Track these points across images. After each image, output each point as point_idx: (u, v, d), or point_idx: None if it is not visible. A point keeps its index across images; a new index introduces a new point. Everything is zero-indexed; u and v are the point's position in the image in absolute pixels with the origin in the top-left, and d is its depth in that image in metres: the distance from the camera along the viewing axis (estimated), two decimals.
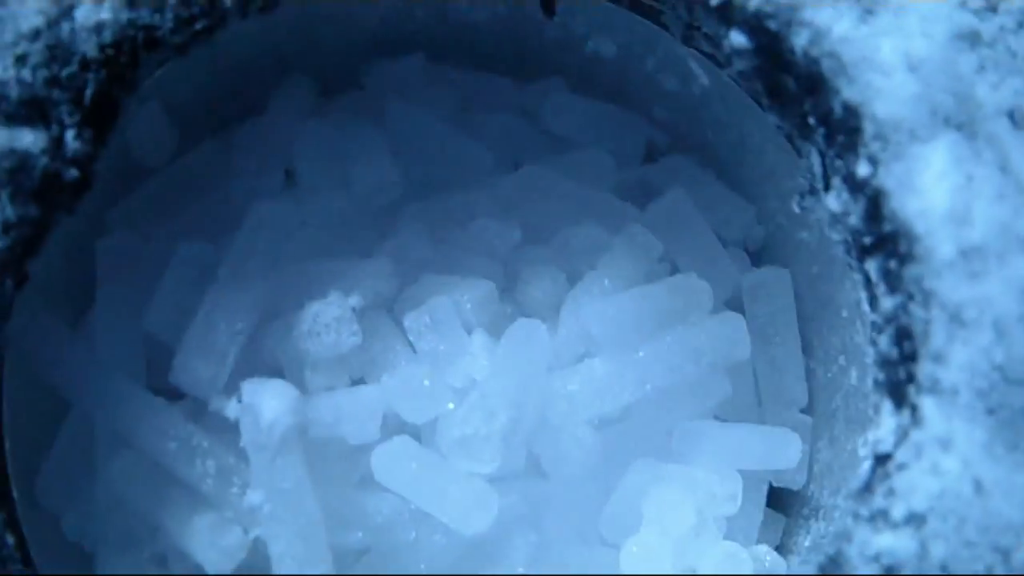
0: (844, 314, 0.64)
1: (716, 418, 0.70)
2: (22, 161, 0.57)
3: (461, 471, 0.62)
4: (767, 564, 0.70)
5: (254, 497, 0.61)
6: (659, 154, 0.73)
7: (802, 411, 0.71)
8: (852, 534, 0.53)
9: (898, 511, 0.53)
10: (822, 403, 0.71)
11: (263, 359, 0.65)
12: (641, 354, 0.65)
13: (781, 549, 0.71)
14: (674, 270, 0.70)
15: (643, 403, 0.67)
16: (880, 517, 0.53)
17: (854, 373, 0.64)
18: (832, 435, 0.69)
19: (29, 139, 0.57)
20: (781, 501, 0.73)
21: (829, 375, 0.69)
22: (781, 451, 0.70)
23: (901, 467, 0.53)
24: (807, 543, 0.69)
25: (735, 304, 0.71)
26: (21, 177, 0.57)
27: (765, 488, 0.71)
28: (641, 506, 0.67)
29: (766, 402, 0.72)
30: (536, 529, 0.64)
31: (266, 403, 0.61)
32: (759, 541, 0.71)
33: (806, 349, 0.71)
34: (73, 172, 0.58)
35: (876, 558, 0.52)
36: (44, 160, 0.57)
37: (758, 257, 0.73)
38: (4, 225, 0.56)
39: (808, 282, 0.70)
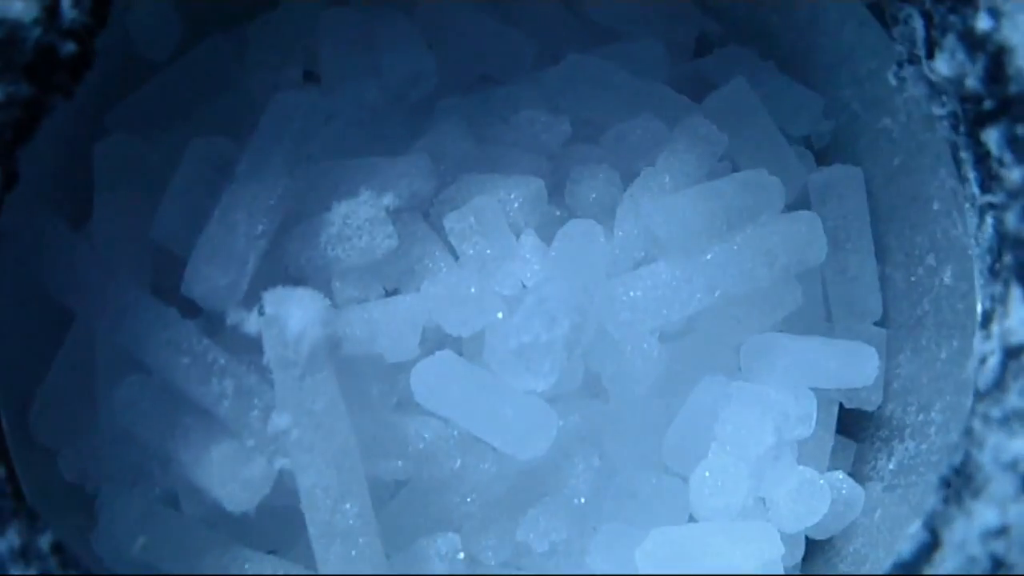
0: (936, 207, 0.54)
1: (784, 331, 0.61)
2: (11, 32, 0.46)
3: (514, 388, 0.52)
4: (844, 492, 0.61)
5: (279, 421, 0.51)
6: (714, 46, 0.63)
7: (876, 324, 0.63)
8: (983, 439, 0.44)
9: None
10: (902, 312, 0.61)
11: (287, 268, 0.54)
12: (709, 257, 0.55)
13: (855, 476, 0.62)
14: (735, 169, 0.61)
15: (710, 313, 0.57)
16: (1016, 418, 0.44)
17: (948, 271, 0.54)
18: (917, 346, 0.58)
19: (19, 7, 0.47)
20: (849, 425, 0.64)
21: (912, 279, 0.59)
22: (857, 367, 0.59)
23: None
24: (891, 466, 0.60)
25: (800, 207, 0.61)
26: (10, 51, 0.46)
27: (835, 410, 0.62)
28: (711, 428, 0.58)
29: (837, 314, 0.62)
30: (597, 453, 0.55)
31: (292, 313, 0.51)
32: (830, 468, 0.63)
33: (881, 253, 0.60)
34: (70, 46, 0.47)
35: (1013, 465, 0.44)
36: (37, 31, 0.46)
37: (824, 155, 0.62)
38: None
39: (886, 178, 0.60)
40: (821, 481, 0.59)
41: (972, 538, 0.41)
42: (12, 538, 0.43)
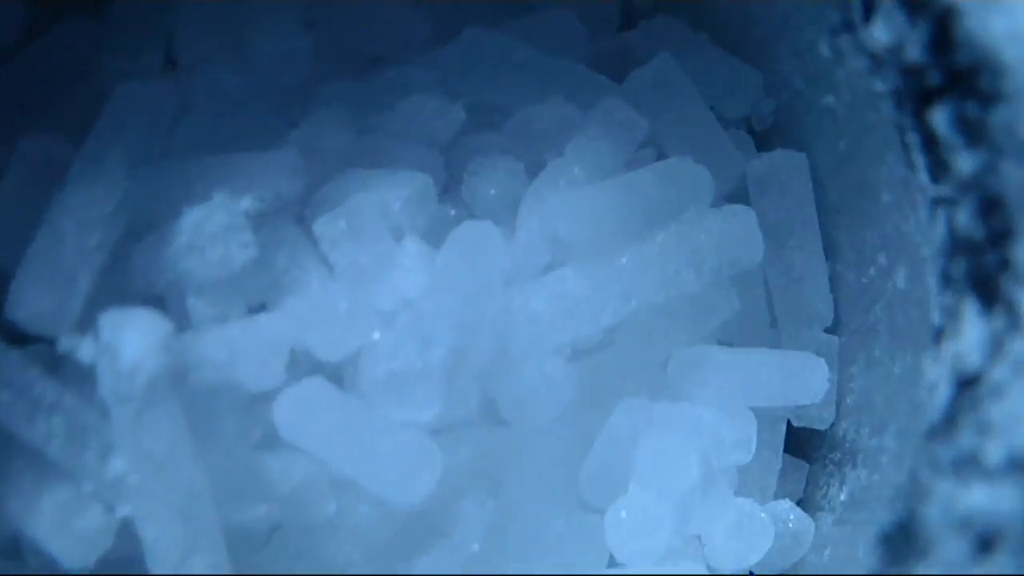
0: (885, 198, 0.46)
1: (720, 342, 0.53)
2: None
3: (392, 420, 0.44)
4: (791, 525, 0.53)
5: (116, 465, 0.43)
6: (640, 17, 0.54)
7: (827, 330, 0.55)
8: (930, 489, 0.36)
9: (995, 453, 0.35)
10: (855, 318, 0.52)
11: (132, 285, 0.45)
12: (624, 260, 0.47)
13: (805, 503, 0.54)
14: (661, 156, 0.53)
15: (629, 325, 0.49)
16: (968, 464, 0.36)
17: (902, 273, 0.46)
18: (870, 357, 0.51)
19: None
20: (801, 443, 0.55)
21: (864, 281, 0.51)
22: (803, 381, 0.51)
23: (997, 391, 0.36)
24: (843, 496, 0.51)
25: (738, 198, 0.53)
26: None
27: (783, 429, 0.54)
28: (631, 459, 0.50)
29: (782, 320, 0.53)
30: (494, 493, 0.47)
31: (127, 338, 0.44)
32: (777, 495, 0.55)
33: (831, 250, 0.52)
34: None
35: (967, 523, 0.35)
36: None
37: (766, 139, 0.54)
38: None
39: (833, 164, 0.51)
40: (762, 514, 0.51)
41: None
42: None
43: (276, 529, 0.45)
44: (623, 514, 0.46)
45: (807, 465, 0.53)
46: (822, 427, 0.52)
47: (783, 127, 0.51)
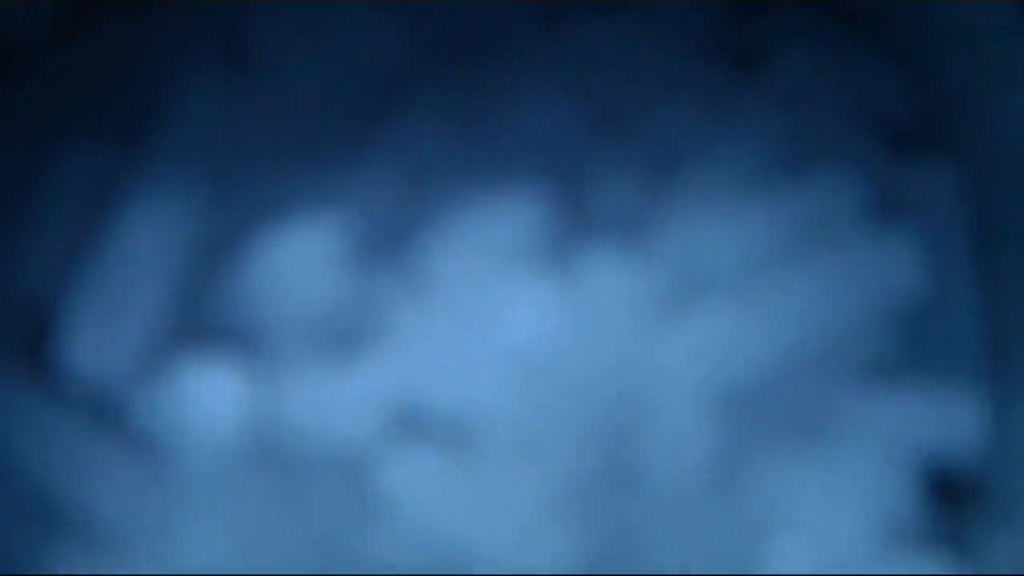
0: None
1: (867, 379, 0.47)
2: None
3: (516, 490, 0.38)
4: None
5: (190, 540, 0.36)
6: (770, 6, 0.49)
7: (982, 365, 0.49)
8: None
9: None
10: (1018, 350, 0.47)
11: (202, 323, 0.39)
12: (774, 289, 0.42)
13: (960, 556, 0.48)
14: (801, 168, 0.46)
15: (775, 366, 0.44)
16: None
17: None
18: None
19: None
20: (951, 492, 0.50)
21: None
22: (953, 422, 0.46)
23: None
24: (1010, 550, 0.45)
25: (882, 215, 0.48)
26: None
27: (928, 475, 0.48)
28: (780, 515, 0.43)
29: (931, 355, 0.48)
30: (631, 568, 0.40)
31: (207, 391, 0.36)
32: (923, 551, 0.48)
33: (991, 273, 0.47)
34: None
35: None
36: None
37: (919, 149, 0.48)
38: None
39: (996, 174, 0.45)
40: (919, 572, 0.44)
41: None
42: None
43: None
44: None
45: (955, 516, 0.47)
46: (972, 473, 0.46)
47: (938, 134, 0.45)
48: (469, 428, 0.36)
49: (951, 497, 0.47)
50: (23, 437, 0.36)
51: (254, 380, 0.36)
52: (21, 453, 0.36)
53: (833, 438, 0.42)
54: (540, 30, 0.43)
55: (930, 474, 0.45)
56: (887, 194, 0.46)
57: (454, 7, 0.42)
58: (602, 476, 0.38)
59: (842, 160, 0.43)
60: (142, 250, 0.36)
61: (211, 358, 0.35)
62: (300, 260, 0.37)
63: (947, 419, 0.44)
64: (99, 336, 0.36)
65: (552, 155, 0.42)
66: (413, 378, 0.37)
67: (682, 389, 0.38)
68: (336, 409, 0.36)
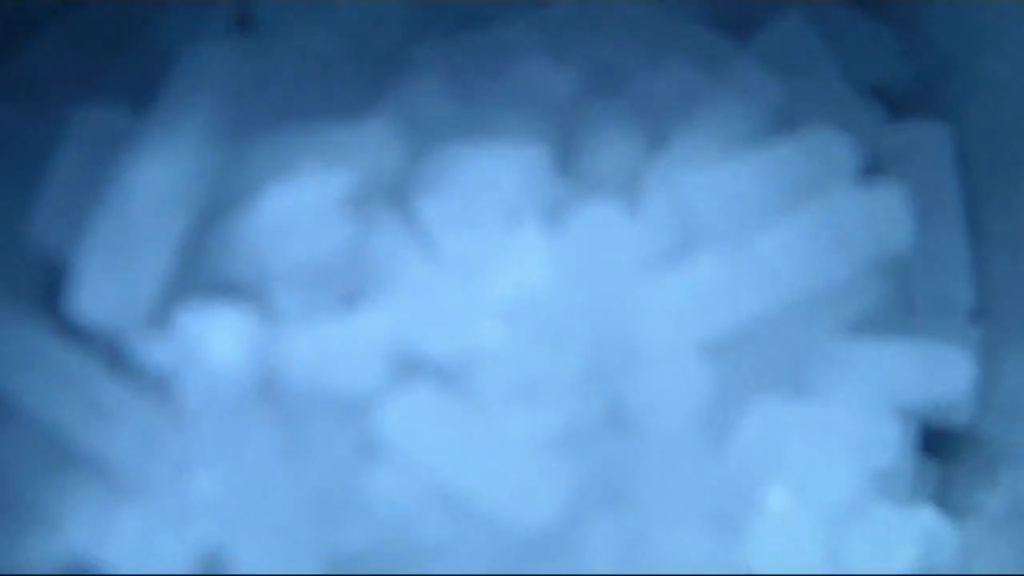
0: None
1: (856, 331, 0.48)
2: None
3: (512, 432, 0.39)
4: (933, 532, 0.47)
5: (200, 480, 0.38)
6: None
7: (972, 319, 0.49)
8: None
9: None
10: (1007, 306, 0.46)
11: (209, 274, 0.40)
12: (765, 244, 0.41)
13: (948, 508, 0.49)
14: (793, 126, 0.47)
15: (767, 317, 0.44)
16: None
17: None
18: None
19: None
20: (937, 444, 0.50)
21: (1019, 266, 0.46)
22: (943, 376, 0.45)
23: None
24: (998, 502, 0.46)
25: (873, 173, 0.48)
26: None
27: (918, 427, 0.49)
28: (772, 466, 0.44)
29: (921, 308, 0.49)
30: (622, 510, 0.41)
31: (214, 338, 0.38)
32: (913, 499, 0.49)
33: (981, 231, 0.47)
34: None
35: None
36: None
37: (905, 109, 0.48)
38: None
39: (985, 136, 0.45)
40: (906, 523, 0.45)
41: None
42: None
43: (376, 552, 0.40)
44: (769, 527, 0.40)
45: (942, 468, 0.48)
46: (962, 425, 0.47)
47: (928, 95, 0.45)
48: (467, 372, 0.38)
49: (938, 449, 0.48)
50: (39, 381, 0.37)
51: (261, 326, 0.37)
52: (37, 396, 0.37)
53: (822, 388, 0.43)
54: None
55: (918, 425, 0.46)
56: (879, 153, 0.47)
57: None
58: (596, 419, 0.39)
59: (835, 119, 0.44)
60: (153, 202, 0.37)
61: (220, 306, 0.37)
62: (305, 213, 0.39)
63: (936, 371, 0.45)
64: (112, 285, 0.37)
65: (548, 114, 0.43)
66: (413, 324, 0.38)
67: (675, 337, 0.39)
68: (339, 354, 0.38)
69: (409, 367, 0.38)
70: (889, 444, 0.43)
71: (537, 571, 0.38)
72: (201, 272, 0.39)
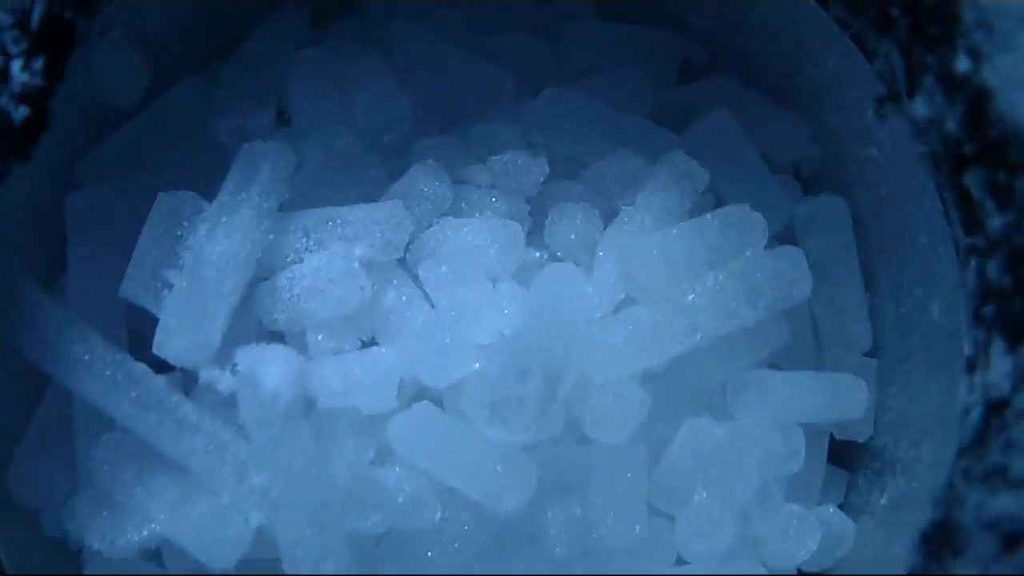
0: (923, 240, 0.53)
1: (771, 367, 0.60)
2: None
3: (491, 440, 0.51)
4: (835, 527, 0.60)
5: (257, 480, 0.50)
6: (696, 74, 0.61)
7: (867, 355, 0.61)
8: (964, 496, 0.43)
9: (1019, 467, 0.42)
10: (892, 344, 0.59)
11: (259, 323, 0.52)
12: (691, 298, 0.53)
13: (847, 508, 0.61)
14: (719, 202, 0.59)
15: (694, 353, 0.57)
16: (997, 476, 0.43)
17: (936, 307, 0.53)
18: (907, 380, 0.57)
19: None
20: (843, 455, 0.62)
21: (902, 311, 0.58)
22: (845, 399, 0.58)
23: (1021, 415, 0.43)
24: (884, 501, 0.58)
25: (786, 238, 0.60)
26: None
27: (827, 441, 0.61)
28: (696, 471, 0.57)
29: (826, 346, 0.60)
30: (578, 502, 0.54)
31: (267, 371, 0.51)
32: (821, 501, 0.62)
33: (872, 283, 0.59)
34: (23, 110, 0.47)
35: (995, 524, 0.42)
36: None
37: (813, 184, 0.61)
38: None
39: (874, 207, 0.58)
40: (810, 518, 0.58)
41: None
42: None
43: (384, 536, 0.53)
44: (692, 519, 0.53)
45: (847, 474, 0.60)
46: (861, 440, 0.59)
47: (828, 174, 0.58)
48: (457, 395, 0.51)
49: (845, 458, 0.60)
50: (133, 403, 0.50)
51: (301, 361, 0.51)
52: (131, 415, 0.50)
53: (741, 411, 0.56)
54: (515, 94, 0.58)
55: (827, 440, 0.59)
56: (792, 220, 0.60)
57: (454, 78, 0.57)
58: (556, 432, 0.52)
59: (754, 195, 0.57)
60: (219, 266, 0.51)
61: (270, 346, 0.50)
62: (333, 275, 0.52)
63: (839, 396, 0.57)
64: (188, 330, 0.50)
65: (521, 193, 0.56)
66: (416, 359, 0.51)
67: (620, 368, 0.52)
68: (359, 382, 0.51)
69: (412, 391, 0.52)
70: (796, 455, 0.56)
71: (511, 548, 0.51)
72: (255, 321, 0.52)
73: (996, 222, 0.43)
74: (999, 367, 0.42)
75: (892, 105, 0.47)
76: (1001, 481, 0.41)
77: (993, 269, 0.43)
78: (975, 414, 0.43)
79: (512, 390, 0.50)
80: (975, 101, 0.43)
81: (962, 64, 0.43)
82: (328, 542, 0.49)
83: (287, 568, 0.49)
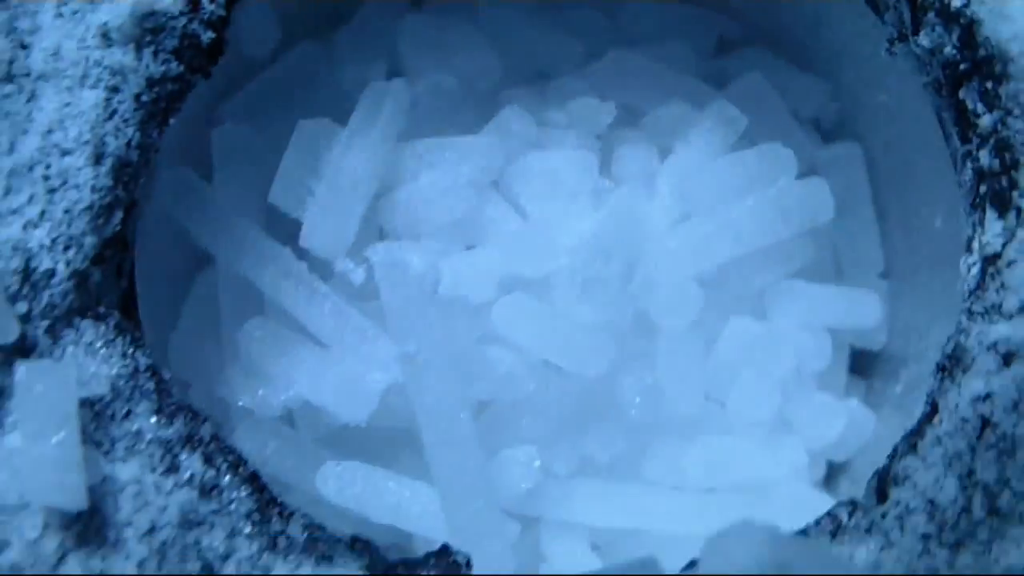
0: (925, 166, 0.65)
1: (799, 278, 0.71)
2: (163, 22, 0.58)
3: (578, 319, 0.64)
4: (857, 416, 0.70)
5: (389, 348, 0.61)
6: (733, 47, 0.74)
7: (880, 276, 0.74)
8: (969, 328, 0.55)
9: (1011, 303, 0.54)
10: (902, 261, 0.72)
11: (381, 228, 0.65)
12: (735, 215, 0.66)
13: (868, 404, 0.73)
14: (753, 143, 0.72)
15: (736, 263, 0.68)
16: (994, 310, 0.55)
17: (939, 219, 0.66)
18: (916, 287, 0.69)
19: (168, 1, 0.59)
20: (860, 367, 0.74)
21: (910, 232, 0.70)
22: (863, 309, 0.70)
23: (1011, 263, 0.55)
24: (899, 389, 0.70)
25: (810, 174, 0.73)
26: (163, 36, 0.58)
27: (847, 350, 0.73)
28: (740, 360, 0.68)
29: (845, 269, 0.73)
30: (648, 374, 0.66)
31: (410, 258, 0.63)
32: (842, 394, 0.72)
33: (883, 214, 0.72)
34: (209, 34, 0.59)
35: (994, 346, 0.55)
36: (183, 21, 0.58)
37: (831, 135, 0.74)
38: (149, 81, 0.57)
39: (883, 147, 0.71)
40: (837, 404, 0.69)
41: (964, 404, 0.52)
42: (179, 427, 0.54)
43: (487, 404, 0.64)
44: (741, 393, 0.65)
45: (864, 381, 0.72)
46: (876, 348, 0.72)
47: (845, 122, 0.72)
48: (547, 285, 0.63)
49: (863, 367, 0.72)
50: (282, 284, 0.62)
51: (421, 258, 0.63)
52: (279, 293, 0.62)
53: (776, 314, 0.68)
54: (583, 56, 0.71)
55: (848, 348, 0.71)
56: (813, 165, 0.73)
57: (532, 43, 0.70)
58: (628, 318, 0.64)
59: (783, 141, 0.70)
60: (353, 178, 0.63)
61: (407, 243, 0.63)
62: (443, 190, 0.64)
63: (857, 307, 0.70)
64: (328, 227, 0.62)
65: (594, 133, 0.69)
66: (513, 256, 0.63)
67: (678, 270, 0.65)
68: (468, 276, 0.63)
69: (511, 283, 0.64)
70: (824, 352, 0.68)
71: (592, 415, 0.63)
72: (378, 226, 0.65)
73: (985, 121, 0.55)
74: (991, 230, 0.54)
75: (901, 45, 0.60)
76: (998, 314, 0.53)
77: (984, 157, 0.55)
78: (975, 269, 0.55)
79: (598, 270, 0.62)
80: (967, 28, 0.56)
81: (956, 1, 0.56)
82: (452, 401, 0.60)
83: (423, 419, 0.60)
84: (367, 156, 0.64)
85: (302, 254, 0.64)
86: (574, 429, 0.64)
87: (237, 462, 0.54)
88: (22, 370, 0.50)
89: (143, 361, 0.54)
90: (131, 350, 0.54)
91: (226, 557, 0.52)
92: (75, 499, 0.50)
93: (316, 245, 0.63)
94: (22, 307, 0.53)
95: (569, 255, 0.64)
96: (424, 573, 0.53)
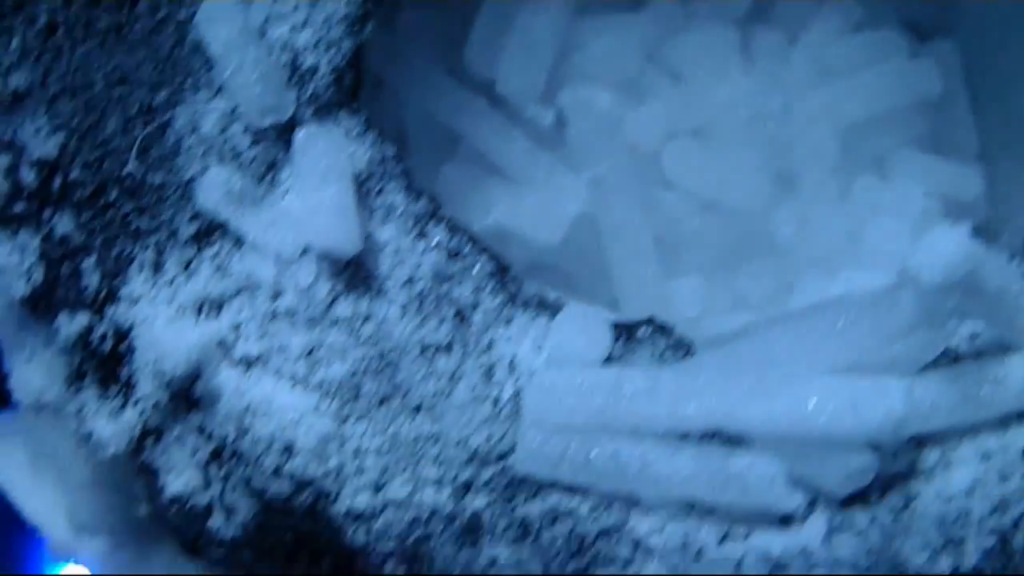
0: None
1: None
2: None
3: (736, 161, 0.73)
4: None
5: (577, 182, 0.71)
6: None
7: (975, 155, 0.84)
8: None
9: None
10: (995, 146, 0.81)
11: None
12: (859, 83, 0.77)
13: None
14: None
15: (859, 127, 0.79)
16: None
17: None
18: (1010, 171, 0.81)
19: None
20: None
21: (1009, 126, 0.81)
22: (965, 183, 0.80)
23: None
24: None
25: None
26: None
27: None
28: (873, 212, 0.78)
29: (946, 149, 0.83)
30: (795, 208, 0.75)
31: (597, 95, 0.72)
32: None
33: (978, 108, 0.81)
34: None
35: None
36: None
37: (929, 33, 0.84)
38: None
39: (978, 49, 0.81)
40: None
41: None
42: (425, 204, 0.62)
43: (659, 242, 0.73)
44: (877, 227, 0.74)
45: None
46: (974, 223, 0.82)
47: (943, 24, 0.83)
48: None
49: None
50: (475, 124, 0.71)
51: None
52: (472, 131, 0.71)
53: (898, 173, 0.78)
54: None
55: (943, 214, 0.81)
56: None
57: None
58: (777, 165, 0.74)
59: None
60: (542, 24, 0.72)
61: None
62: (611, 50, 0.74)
63: (962, 179, 0.80)
64: (523, 73, 0.72)
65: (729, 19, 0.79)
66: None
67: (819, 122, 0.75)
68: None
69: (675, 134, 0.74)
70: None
71: (755, 241, 0.72)
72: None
73: None
74: None
75: None
76: None
77: None
78: None
79: (752, 116, 0.72)
80: None
81: None
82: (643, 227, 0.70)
83: (608, 241, 0.69)
84: (553, 16, 0.73)
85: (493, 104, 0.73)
86: (730, 265, 0.73)
87: (474, 236, 0.62)
88: (302, 133, 0.59)
89: (390, 150, 0.62)
90: (380, 141, 0.62)
91: (475, 307, 0.60)
92: (351, 240, 0.58)
93: (511, 89, 0.72)
94: (291, 95, 0.61)
95: (724, 109, 0.74)
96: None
